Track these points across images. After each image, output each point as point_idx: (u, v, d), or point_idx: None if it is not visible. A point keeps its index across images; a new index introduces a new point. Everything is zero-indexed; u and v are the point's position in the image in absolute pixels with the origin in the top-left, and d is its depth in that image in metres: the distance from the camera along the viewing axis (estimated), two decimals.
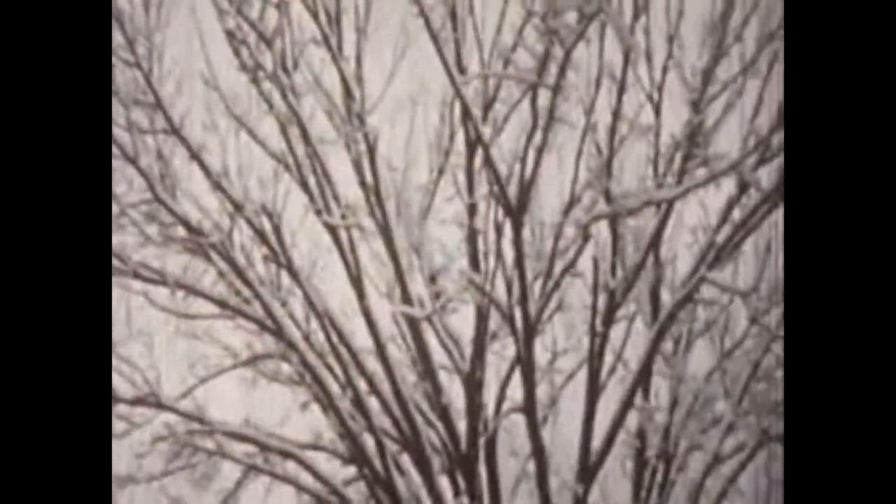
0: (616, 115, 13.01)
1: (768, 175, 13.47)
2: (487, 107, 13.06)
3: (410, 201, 13.47)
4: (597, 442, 13.81)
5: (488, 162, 12.80)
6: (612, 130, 13.05)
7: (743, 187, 13.27)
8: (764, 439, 15.05)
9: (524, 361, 13.29)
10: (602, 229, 13.36)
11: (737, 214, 13.45)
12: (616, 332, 13.78)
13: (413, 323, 13.63)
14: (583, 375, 13.78)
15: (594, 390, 13.78)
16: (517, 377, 13.47)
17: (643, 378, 14.03)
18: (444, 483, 13.70)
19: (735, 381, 14.96)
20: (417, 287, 13.57)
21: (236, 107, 13.41)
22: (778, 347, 15.05)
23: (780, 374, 15.23)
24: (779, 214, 13.91)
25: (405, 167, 13.61)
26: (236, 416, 13.71)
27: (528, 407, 13.40)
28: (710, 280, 13.57)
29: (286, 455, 13.70)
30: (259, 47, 13.18)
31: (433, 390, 13.62)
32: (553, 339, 13.82)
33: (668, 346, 14.19)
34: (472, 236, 13.39)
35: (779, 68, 12.87)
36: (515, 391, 13.50)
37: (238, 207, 13.43)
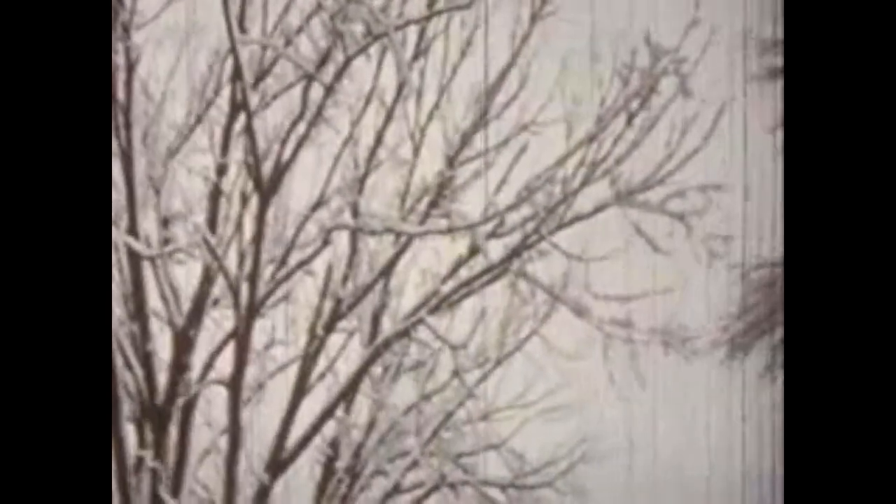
0: (378, 138, 12.85)
1: (501, 246, 14.19)
2: (260, 77, 12.36)
3: (160, 136, 12.64)
4: (292, 439, 13.42)
5: (249, 130, 12.04)
6: (372, 151, 12.88)
7: (473, 251, 13.22)
8: (441, 483, 15.55)
9: (240, 337, 12.62)
10: (343, 239, 13.07)
11: (463, 273, 13.40)
12: (334, 341, 13.53)
13: (134, 258, 12.64)
14: (294, 371, 13.45)
15: (301, 389, 13.43)
16: (230, 351, 12.82)
17: (349, 393, 13.76)
18: (130, 431, 12.91)
19: (427, 424, 15.37)
20: (147, 225, 12.71)
21: None
22: (472, 405, 15.70)
23: (468, 428, 15.92)
24: (500, 285, 14.56)
25: (162, 99, 12.75)
26: None
27: (234, 383, 12.73)
28: (427, 323, 13.45)
29: None
30: None
31: (140, 333, 12.74)
32: (273, 327, 13.32)
33: (378, 370, 13.98)
34: (215, 195, 12.71)
35: (525, 157, 13.07)
36: (225, 364, 12.85)
37: None
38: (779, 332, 13.50)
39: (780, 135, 13.63)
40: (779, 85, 13.17)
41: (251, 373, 13.24)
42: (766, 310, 13.42)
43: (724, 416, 13.62)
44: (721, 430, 13.71)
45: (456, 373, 14.19)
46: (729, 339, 13.77)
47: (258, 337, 13.15)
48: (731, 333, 13.77)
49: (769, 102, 12.54)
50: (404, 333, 13.64)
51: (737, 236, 12.59)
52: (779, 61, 13.11)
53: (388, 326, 13.71)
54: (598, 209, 12.91)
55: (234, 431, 12.96)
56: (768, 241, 13.21)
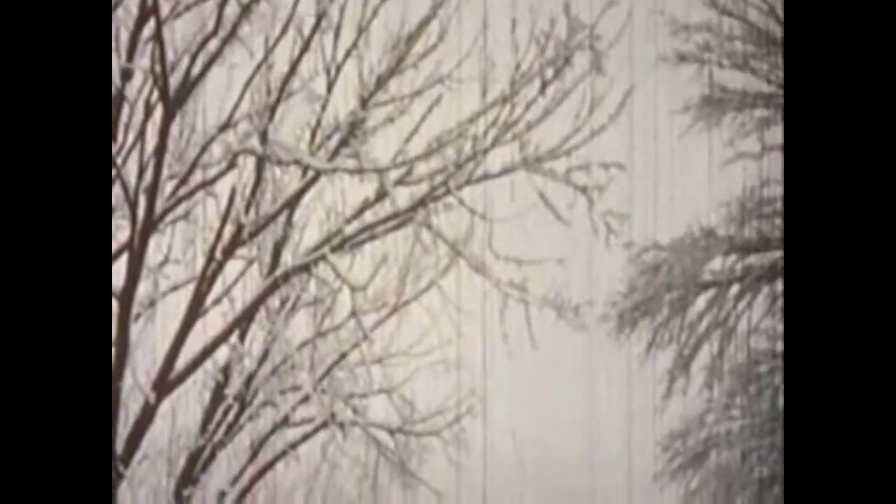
0: (293, 68, 12.48)
1: (408, 195, 14.12)
2: None
3: None
4: (182, 361, 13.10)
5: (158, 38, 11.56)
6: (285, 80, 12.46)
7: (380, 195, 12.98)
8: (330, 421, 15.46)
9: (134, 251, 12.32)
10: (249, 165, 12.71)
11: (368, 216, 13.19)
12: (232, 267, 13.26)
13: None
14: (188, 292, 13.16)
15: (194, 311, 13.10)
16: (123, 263, 12.46)
17: (244, 321, 13.52)
18: None
19: (321, 361, 15.22)
20: None
21: None
22: (367, 347, 15.62)
23: (361, 370, 15.86)
24: (404, 233, 14.45)
25: None
26: None
27: (125, 297, 12.42)
28: (328, 261, 13.14)
29: None
30: None
31: None
32: (169, 245, 13.09)
33: (275, 302, 13.79)
34: (118, 101, 12.19)
35: (438, 110, 12.83)
36: (117, 278, 12.46)
37: None
38: (662, 313, 13.64)
39: (684, 118, 13.67)
40: (688, 69, 13.17)
41: (143, 288, 12.97)
42: (652, 291, 13.46)
43: (612, 384, 13.64)
44: (608, 397, 13.72)
45: (353, 314, 14.00)
46: (617, 314, 13.84)
47: (153, 253, 12.89)
48: (619, 309, 13.82)
49: (677, 86, 12.51)
50: (304, 268, 13.33)
51: (634, 216, 12.54)
52: (689, 46, 13.09)
53: (288, 259, 13.40)
54: (506, 171, 12.71)
55: (122, 346, 12.65)
56: (662, 225, 13.21)
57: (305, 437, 14.77)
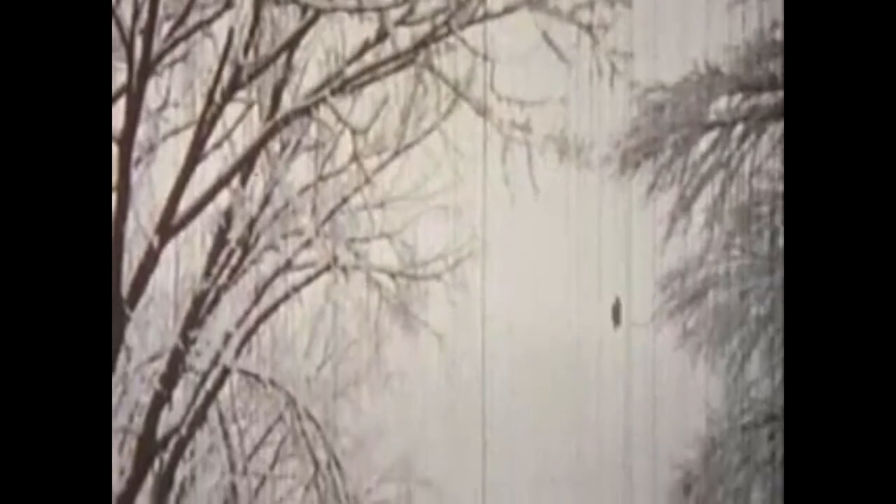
0: None
1: (409, 35, 13.62)
2: None
3: None
4: (184, 204, 12.78)
5: None
6: None
7: (381, 36, 12.44)
8: (332, 265, 15.17)
9: (132, 94, 11.93)
10: (246, 4, 12.18)
11: (369, 58, 12.69)
12: (231, 111, 12.88)
13: None
14: (188, 136, 12.75)
15: (194, 156, 12.71)
16: (121, 106, 12.02)
17: (244, 165, 13.16)
18: None
19: (324, 204, 14.97)
20: None
21: None
22: (369, 191, 15.26)
23: (363, 214, 15.52)
24: (405, 74, 13.93)
25: None
26: None
27: (125, 141, 12.06)
28: (329, 103, 12.72)
29: None
30: None
31: None
32: (168, 88, 12.76)
33: (275, 146, 13.46)
34: None
35: None
36: (116, 121, 11.97)
37: None
38: (665, 154, 13.30)
39: None
40: None
41: (143, 132, 12.64)
42: (656, 132, 13.11)
43: (613, 225, 13.32)
44: (608, 238, 13.40)
45: (355, 157, 13.66)
46: (620, 155, 13.49)
47: (152, 96, 12.53)
48: (622, 150, 13.47)
49: None
50: (305, 111, 12.94)
51: (638, 55, 12.08)
52: None
53: (288, 102, 13.01)
54: (509, 10, 12.26)
55: (123, 191, 12.32)
56: (667, 64, 12.78)
57: (308, 281, 14.55)
